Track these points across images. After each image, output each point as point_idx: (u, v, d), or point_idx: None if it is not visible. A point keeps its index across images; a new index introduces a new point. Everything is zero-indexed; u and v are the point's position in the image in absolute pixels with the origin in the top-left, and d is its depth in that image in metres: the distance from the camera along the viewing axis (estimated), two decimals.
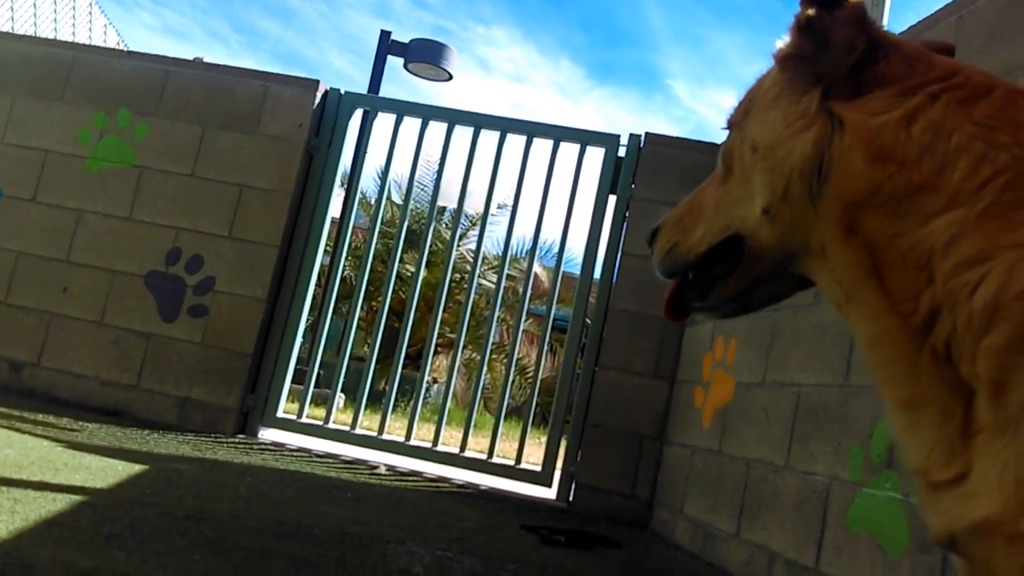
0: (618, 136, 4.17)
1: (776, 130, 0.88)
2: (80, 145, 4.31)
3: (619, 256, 4.02)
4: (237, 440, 3.89)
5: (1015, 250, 0.68)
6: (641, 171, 4.04)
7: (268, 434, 4.18)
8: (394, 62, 9.03)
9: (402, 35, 9.03)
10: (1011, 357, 0.65)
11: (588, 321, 4.16)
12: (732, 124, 0.99)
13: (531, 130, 4.30)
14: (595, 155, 4.18)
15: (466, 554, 2.36)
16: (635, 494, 3.74)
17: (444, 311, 4.74)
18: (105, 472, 2.56)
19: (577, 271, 4.28)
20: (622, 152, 4.13)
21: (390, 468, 3.96)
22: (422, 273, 4.45)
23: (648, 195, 3.99)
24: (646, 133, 4.11)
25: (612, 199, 4.11)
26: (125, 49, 9.71)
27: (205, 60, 5.28)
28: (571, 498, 3.84)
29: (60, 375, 4.10)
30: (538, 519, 3.28)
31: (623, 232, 4.04)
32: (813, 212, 0.85)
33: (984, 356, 0.67)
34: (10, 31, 11.53)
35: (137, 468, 2.73)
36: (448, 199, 11.83)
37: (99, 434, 3.32)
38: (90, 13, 14.74)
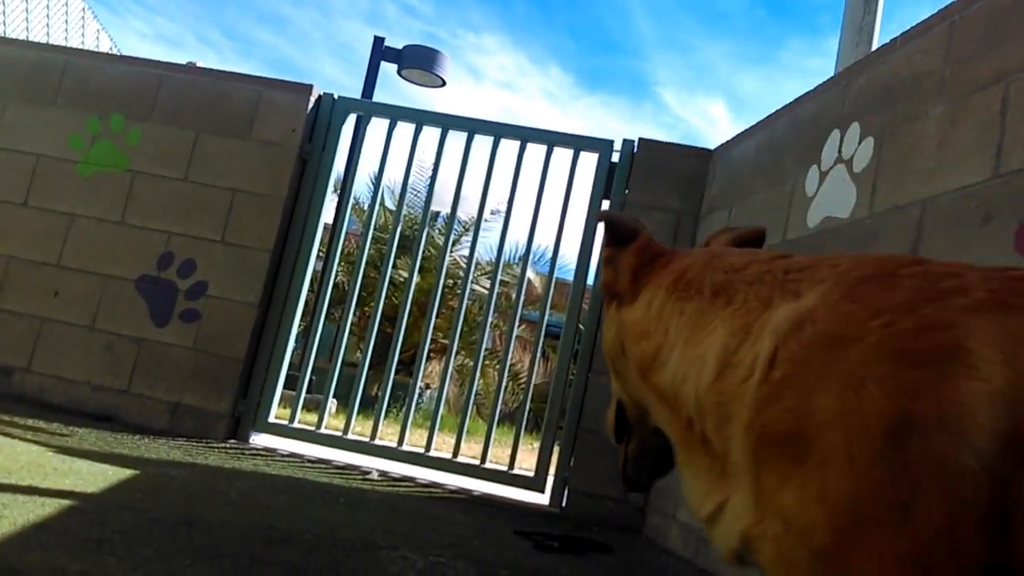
0: (611, 141, 4.17)
1: (604, 334, 1.26)
2: (72, 150, 4.30)
3: None
4: (228, 445, 3.87)
5: (695, 363, 0.97)
6: (635, 176, 4.05)
7: (260, 439, 4.17)
8: (386, 69, 9.02)
9: (394, 42, 9.01)
10: (732, 438, 0.89)
11: (581, 327, 4.16)
12: None
13: (525, 135, 4.30)
14: (589, 160, 4.18)
15: (459, 560, 2.35)
16: (628, 499, 3.73)
17: (437, 317, 4.73)
18: (95, 477, 2.54)
19: (570, 277, 4.28)
20: (615, 157, 4.13)
21: (383, 473, 3.95)
22: (415, 279, 4.45)
23: (642, 200, 3.99)
24: (639, 138, 4.11)
25: (606, 204, 4.11)
26: (118, 53, 9.68)
27: (198, 65, 5.26)
28: (564, 503, 3.83)
29: (51, 380, 4.08)
30: (531, 524, 3.28)
31: None
32: (628, 378, 1.17)
33: (719, 440, 0.92)
34: (1, 35, 11.50)
35: (128, 473, 2.72)
36: (441, 204, 11.81)
37: (89, 439, 3.30)
38: (83, 18, 14.69)
